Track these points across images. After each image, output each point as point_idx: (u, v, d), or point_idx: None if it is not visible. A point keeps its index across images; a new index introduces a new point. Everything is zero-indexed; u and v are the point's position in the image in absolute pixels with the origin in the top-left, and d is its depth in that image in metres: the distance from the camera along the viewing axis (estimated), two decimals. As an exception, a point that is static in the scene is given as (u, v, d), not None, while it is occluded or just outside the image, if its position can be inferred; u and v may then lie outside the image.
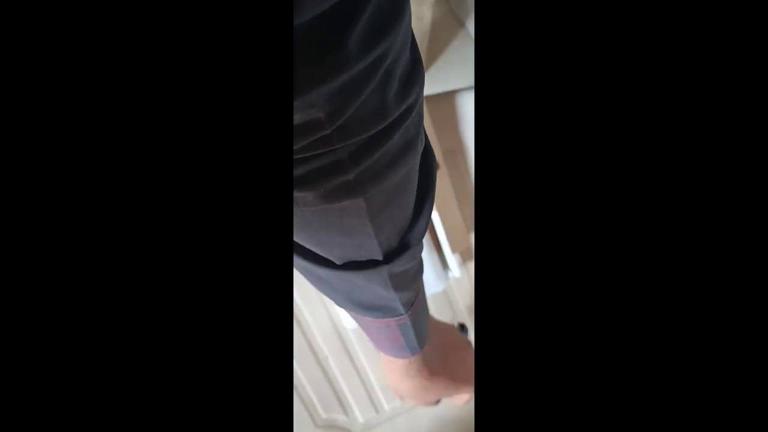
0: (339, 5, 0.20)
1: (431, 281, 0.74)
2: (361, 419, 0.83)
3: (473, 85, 0.62)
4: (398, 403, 0.84)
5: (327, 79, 0.21)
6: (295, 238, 0.32)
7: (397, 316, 0.38)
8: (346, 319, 0.75)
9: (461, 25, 0.60)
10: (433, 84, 0.61)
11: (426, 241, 0.58)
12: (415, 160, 0.29)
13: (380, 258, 0.32)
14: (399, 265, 0.33)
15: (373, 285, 0.34)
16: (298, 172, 0.25)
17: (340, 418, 0.82)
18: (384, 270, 0.32)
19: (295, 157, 0.24)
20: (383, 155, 0.26)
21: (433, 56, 0.60)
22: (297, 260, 0.34)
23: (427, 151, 0.32)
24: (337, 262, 0.33)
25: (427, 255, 0.70)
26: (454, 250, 0.73)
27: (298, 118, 0.22)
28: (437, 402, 0.52)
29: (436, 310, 0.81)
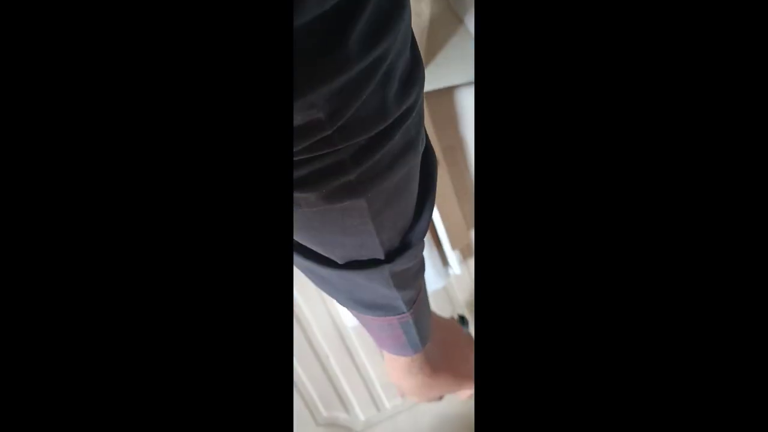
0: (339, 5, 0.20)
1: (431, 278, 0.74)
2: (362, 417, 0.83)
3: (472, 81, 0.62)
4: (399, 401, 0.84)
5: (327, 79, 0.21)
6: (297, 238, 0.32)
7: (399, 314, 0.38)
8: (346, 317, 0.76)
9: (460, 21, 0.60)
10: (431, 81, 0.61)
11: (426, 238, 0.59)
12: (416, 160, 0.30)
13: (382, 257, 0.32)
14: (401, 264, 0.33)
15: (375, 284, 0.34)
16: (299, 173, 0.25)
17: (341, 416, 0.82)
18: (386, 269, 0.33)
19: (296, 158, 0.24)
20: (384, 155, 0.26)
21: (432, 53, 0.60)
22: (299, 260, 0.34)
23: (428, 151, 0.33)
24: (339, 262, 0.33)
25: (427, 252, 0.71)
26: (454, 246, 0.73)
27: (298, 119, 0.22)
28: (440, 398, 0.52)
29: (437, 307, 0.81)
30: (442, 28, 0.61)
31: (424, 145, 0.30)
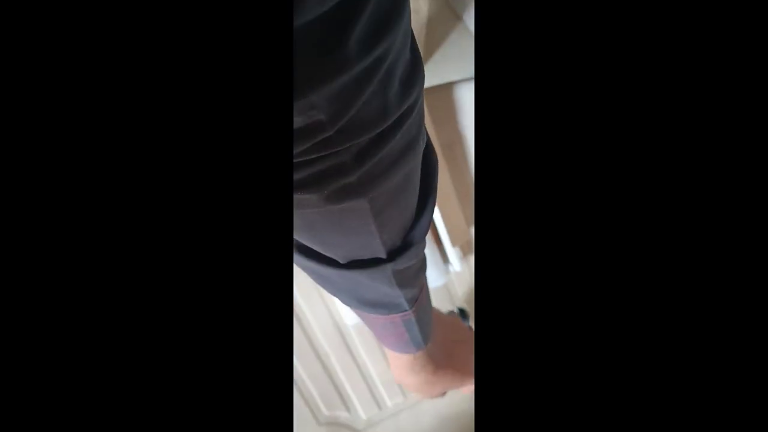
0: (339, 5, 0.20)
1: (432, 275, 0.74)
2: (363, 416, 0.83)
3: (470, 76, 0.62)
4: (401, 400, 0.84)
5: (327, 79, 0.21)
6: (299, 239, 0.33)
7: (401, 312, 0.38)
8: (346, 314, 0.76)
9: (458, 18, 0.61)
10: (430, 78, 0.61)
11: (426, 235, 0.59)
12: (417, 159, 0.30)
13: (384, 256, 0.33)
14: (402, 263, 0.33)
15: (378, 283, 0.34)
16: (301, 174, 0.25)
17: (342, 415, 0.82)
18: (388, 268, 0.33)
19: (297, 160, 0.25)
20: (385, 156, 0.26)
21: (431, 50, 0.61)
22: (301, 260, 0.34)
23: (428, 149, 0.33)
24: (341, 261, 0.33)
25: (428, 249, 0.71)
26: (454, 243, 0.73)
27: (299, 121, 0.22)
28: (443, 394, 0.52)
29: (437, 304, 0.80)
30: (440, 25, 0.61)
31: (424, 143, 0.31)
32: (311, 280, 0.37)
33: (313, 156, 0.25)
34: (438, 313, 0.54)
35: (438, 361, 0.48)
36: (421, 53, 0.35)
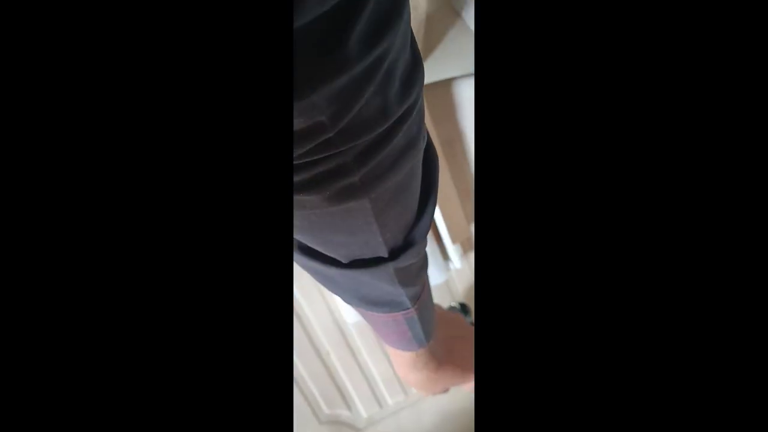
0: (339, 5, 0.20)
1: (432, 273, 0.74)
2: (364, 414, 0.83)
3: (470, 72, 0.63)
4: (402, 398, 0.84)
5: (328, 80, 0.21)
6: (301, 239, 0.33)
7: (404, 310, 0.39)
8: (346, 312, 0.76)
9: (457, 15, 0.61)
10: (429, 75, 0.61)
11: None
12: (418, 158, 0.30)
13: (386, 255, 0.33)
14: (404, 261, 0.34)
15: (380, 281, 0.35)
16: (303, 176, 0.26)
17: (343, 413, 0.83)
18: (390, 267, 0.33)
19: (299, 161, 0.25)
20: (387, 155, 0.27)
21: (430, 47, 0.61)
22: (304, 260, 0.35)
23: (429, 148, 0.33)
24: (343, 261, 0.33)
25: (428, 246, 0.71)
26: (454, 241, 0.73)
27: (300, 122, 0.23)
28: (446, 391, 0.53)
29: (438, 301, 0.81)
30: (439, 22, 0.61)
31: (425, 142, 0.31)
32: (311, 278, 0.38)
33: (314, 157, 0.25)
34: (439, 309, 0.54)
35: (440, 358, 0.49)
36: (420, 50, 0.35)
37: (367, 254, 0.33)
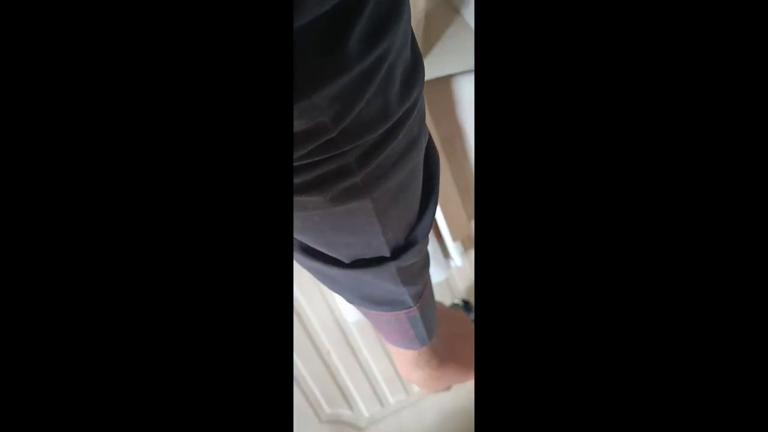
0: (339, 5, 0.20)
1: (433, 271, 0.74)
2: (366, 413, 0.84)
3: (469, 68, 0.63)
4: (403, 396, 0.85)
5: (329, 81, 0.21)
6: (303, 240, 0.33)
7: (406, 308, 0.39)
8: (347, 311, 0.76)
9: (456, 12, 0.61)
10: (428, 73, 0.61)
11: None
12: (419, 157, 0.30)
13: (388, 255, 0.33)
14: (406, 260, 0.34)
15: (382, 281, 0.35)
16: (304, 177, 0.26)
17: (344, 412, 0.83)
18: (392, 266, 0.34)
19: (301, 163, 0.25)
20: (388, 155, 0.27)
21: (429, 45, 0.61)
22: (306, 261, 0.35)
23: (430, 147, 0.33)
24: (346, 261, 0.34)
25: (428, 244, 0.71)
26: (455, 238, 0.74)
27: (302, 124, 0.23)
28: (448, 388, 0.53)
29: (439, 299, 0.81)
30: (438, 20, 0.61)
31: (426, 141, 0.31)
32: (312, 277, 0.38)
33: (316, 158, 0.25)
34: (441, 307, 0.55)
35: (442, 356, 0.49)
36: (419, 48, 0.35)
37: (369, 254, 0.33)
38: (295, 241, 0.35)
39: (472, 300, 0.81)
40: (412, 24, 0.26)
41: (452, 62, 0.61)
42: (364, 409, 0.84)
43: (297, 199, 0.27)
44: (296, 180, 0.26)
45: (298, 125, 0.23)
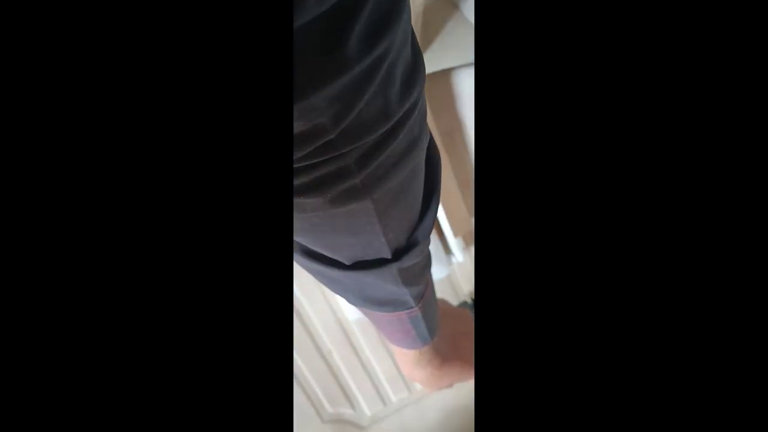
0: (339, 5, 0.20)
1: (434, 267, 0.74)
2: (368, 412, 0.84)
3: (469, 62, 0.63)
4: (406, 394, 0.85)
5: (328, 81, 0.22)
6: (303, 241, 0.33)
7: (408, 309, 0.39)
8: (348, 309, 0.76)
9: (455, 6, 0.61)
10: (428, 68, 0.61)
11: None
12: (420, 157, 0.30)
13: (389, 256, 0.33)
14: (408, 261, 0.34)
15: (384, 282, 0.35)
16: (303, 179, 0.26)
17: (347, 412, 0.83)
18: (393, 267, 0.34)
19: (300, 164, 0.25)
20: (389, 156, 0.27)
21: (428, 40, 0.61)
22: (306, 262, 0.35)
23: (431, 147, 0.33)
24: (346, 263, 0.34)
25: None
26: (456, 234, 0.74)
27: (300, 125, 0.23)
28: (451, 385, 0.54)
29: (441, 296, 0.80)
30: (437, 15, 0.61)
31: (427, 141, 0.31)
32: (312, 277, 0.38)
33: (315, 160, 0.25)
34: (445, 305, 0.55)
35: (444, 355, 0.50)
36: (419, 43, 0.35)
37: (370, 255, 0.33)
38: (295, 243, 0.35)
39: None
40: (411, 19, 0.27)
41: (451, 57, 0.61)
42: (367, 408, 0.84)
43: (296, 201, 0.27)
44: (294, 182, 0.26)
45: (297, 127, 0.23)
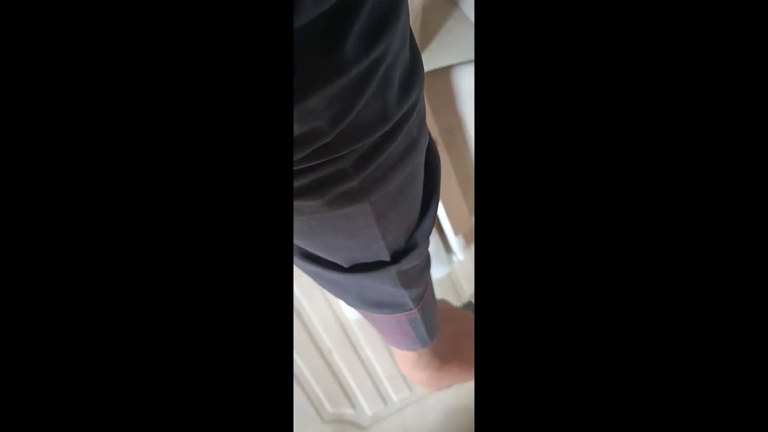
0: (337, 6, 0.20)
1: (434, 266, 0.75)
2: (369, 412, 0.84)
3: (468, 59, 0.63)
4: (407, 394, 0.85)
5: (327, 81, 0.22)
6: (301, 244, 0.34)
7: (407, 311, 0.39)
8: (348, 309, 0.77)
9: (454, 4, 0.61)
10: (427, 64, 0.61)
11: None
12: (419, 159, 0.30)
13: (387, 259, 0.33)
14: (407, 264, 0.34)
15: (382, 284, 0.35)
16: (301, 181, 0.26)
17: (347, 412, 0.83)
18: (392, 270, 0.34)
19: (299, 166, 0.25)
20: (387, 159, 0.27)
21: (427, 38, 0.61)
22: (305, 265, 0.35)
23: (431, 149, 0.34)
24: (345, 266, 0.34)
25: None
26: (456, 232, 0.74)
27: (298, 128, 0.23)
28: (450, 385, 0.54)
29: (441, 295, 0.81)
30: (436, 13, 0.61)
31: (426, 143, 0.31)
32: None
33: (313, 163, 0.25)
34: (445, 305, 0.55)
35: (444, 356, 0.50)
36: (417, 41, 0.35)
37: (369, 258, 0.33)
38: (294, 246, 0.35)
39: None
40: (410, 17, 0.27)
41: (451, 55, 0.60)
42: (367, 407, 0.84)
43: (294, 203, 0.27)
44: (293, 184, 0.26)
45: (295, 129, 0.23)
